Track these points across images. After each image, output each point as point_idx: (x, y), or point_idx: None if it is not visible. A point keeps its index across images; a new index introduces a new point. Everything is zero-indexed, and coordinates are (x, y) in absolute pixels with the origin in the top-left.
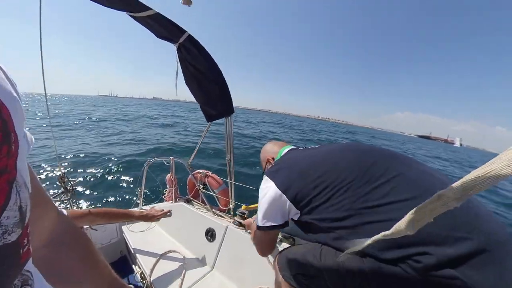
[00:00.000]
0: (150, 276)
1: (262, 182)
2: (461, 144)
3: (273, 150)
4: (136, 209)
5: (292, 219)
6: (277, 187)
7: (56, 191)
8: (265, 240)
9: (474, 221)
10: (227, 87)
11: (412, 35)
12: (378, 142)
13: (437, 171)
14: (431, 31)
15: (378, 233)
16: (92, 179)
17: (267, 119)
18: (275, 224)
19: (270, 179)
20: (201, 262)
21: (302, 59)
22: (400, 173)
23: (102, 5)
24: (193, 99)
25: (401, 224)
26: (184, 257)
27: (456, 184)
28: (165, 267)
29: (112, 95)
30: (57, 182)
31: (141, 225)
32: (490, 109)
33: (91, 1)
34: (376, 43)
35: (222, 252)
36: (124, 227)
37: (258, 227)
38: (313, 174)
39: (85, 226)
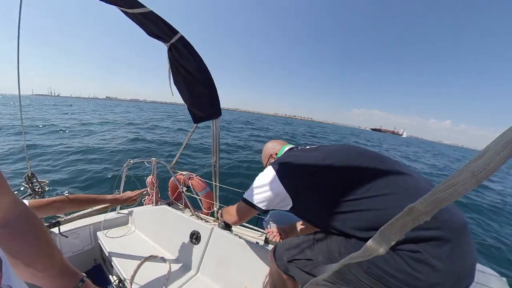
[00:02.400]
0: (131, 283)
1: (264, 171)
2: (403, 134)
3: (275, 148)
4: (113, 212)
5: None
6: (278, 177)
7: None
8: (242, 212)
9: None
10: (216, 90)
11: (367, 38)
12: (339, 136)
13: (416, 173)
14: (381, 34)
15: (359, 220)
16: (63, 182)
17: (236, 117)
18: (258, 206)
19: (273, 169)
20: (186, 266)
21: (273, 60)
22: (381, 172)
23: None
24: (154, 98)
25: (371, 244)
26: (167, 261)
27: (426, 196)
28: (147, 273)
29: (53, 94)
30: (24, 183)
31: (118, 230)
32: (425, 104)
33: None
34: (338, 46)
35: (207, 255)
36: (99, 233)
37: (244, 200)
38: (313, 169)
39: (55, 232)
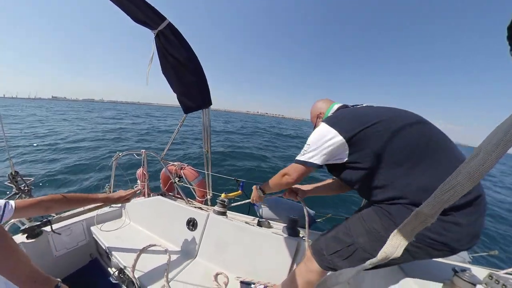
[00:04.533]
0: (132, 271)
1: (319, 127)
2: None
3: (322, 107)
4: (105, 207)
5: (332, 165)
6: (335, 129)
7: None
8: (298, 174)
9: None
10: (206, 79)
11: (337, 35)
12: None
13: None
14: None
15: (414, 185)
16: (50, 178)
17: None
18: (317, 163)
19: (329, 124)
20: (184, 252)
21: (244, 58)
22: (441, 142)
23: None
24: (112, 98)
25: (386, 250)
26: (166, 249)
27: (429, 200)
28: (147, 261)
29: None
30: (7, 182)
31: (113, 223)
32: (402, 102)
33: None
34: (308, 45)
35: (204, 240)
36: (93, 228)
37: (299, 161)
38: (375, 119)
39: (47, 230)
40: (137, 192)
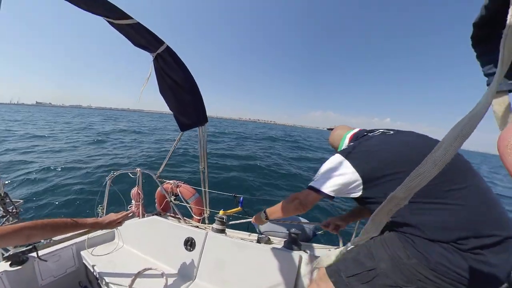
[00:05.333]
0: None
1: (333, 157)
2: None
3: (340, 134)
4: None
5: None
6: (350, 163)
7: None
8: (310, 200)
9: (498, 220)
10: (201, 97)
11: (319, 45)
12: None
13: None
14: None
15: (436, 216)
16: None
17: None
18: (328, 193)
19: (343, 155)
20: (182, 274)
21: (229, 67)
22: (459, 165)
23: (79, 7)
24: (102, 104)
25: (367, 228)
26: (162, 272)
27: (402, 185)
28: (143, 287)
29: None
30: None
31: (105, 247)
32: (368, 104)
33: (68, 3)
34: (293, 53)
35: (203, 260)
36: (83, 253)
37: (313, 187)
38: (391, 157)
39: (33, 256)
40: (130, 214)
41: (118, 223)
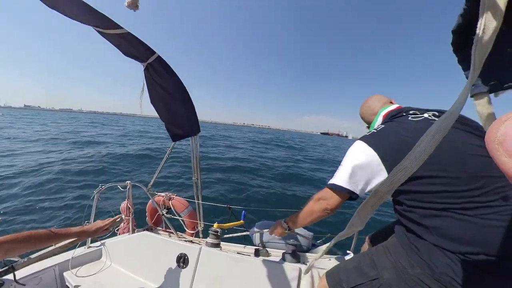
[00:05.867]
0: None
1: (356, 145)
2: (349, 136)
3: (374, 108)
4: (82, 247)
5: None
6: (377, 154)
7: None
8: (331, 202)
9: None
10: (194, 107)
11: (313, 52)
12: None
13: None
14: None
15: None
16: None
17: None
18: (352, 190)
19: (368, 144)
20: None
21: (223, 71)
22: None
23: (69, 17)
24: (92, 108)
25: (353, 222)
26: None
27: (385, 180)
28: None
29: None
30: None
31: (91, 267)
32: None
33: (60, 14)
34: (287, 59)
35: (197, 277)
36: (66, 274)
37: (333, 186)
38: (432, 167)
39: (9, 279)
40: (117, 220)
41: (105, 229)
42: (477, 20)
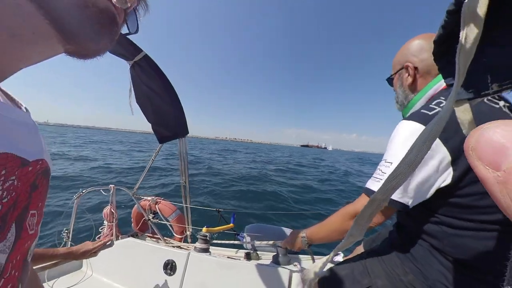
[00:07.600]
0: None
1: (404, 126)
2: (331, 148)
3: (420, 55)
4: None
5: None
6: (441, 140)
7: None
8: (367, 213)
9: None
10: (182, 108)
11: (291, 64)
12: (276, 154)
13: None
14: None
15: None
16: None
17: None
18: (401, 201)
19: (424, 125)
20: None
21: (202, 85)
22: None
23: None
24: (88, 124)
25: (352, 232)
26: None
27: (381, 187)
28: None
29: None
30: None
31: (69, 278)
32: (337, 121)
33: None
34: (266, 71)
35: (186, 284)
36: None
37: (370, 191)
38: None
39: None
40: (108, 243)
41: (93, 253)
42: (457, 31)
